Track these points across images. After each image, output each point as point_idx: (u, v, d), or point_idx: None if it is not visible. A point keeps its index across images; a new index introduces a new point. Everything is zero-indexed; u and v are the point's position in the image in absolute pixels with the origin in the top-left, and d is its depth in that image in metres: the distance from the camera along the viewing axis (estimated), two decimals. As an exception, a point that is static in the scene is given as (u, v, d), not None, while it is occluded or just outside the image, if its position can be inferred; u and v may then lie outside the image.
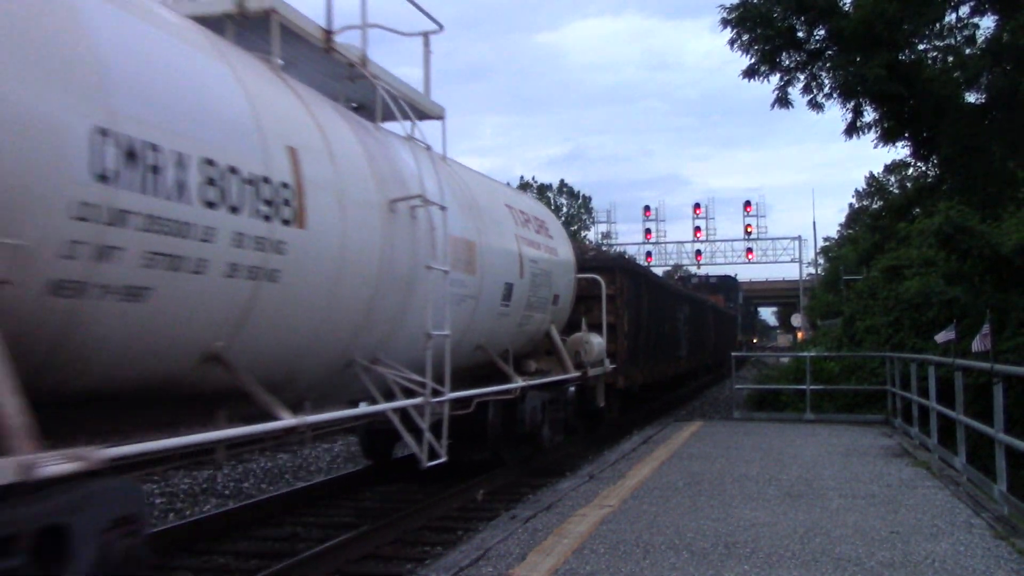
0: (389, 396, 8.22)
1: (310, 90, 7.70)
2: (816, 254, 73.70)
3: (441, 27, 10.01)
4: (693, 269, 62.87)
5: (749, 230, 64.61)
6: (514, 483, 12.75)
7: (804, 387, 17.66)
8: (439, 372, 8.51)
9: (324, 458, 16.00)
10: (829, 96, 26.87)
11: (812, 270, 73.19)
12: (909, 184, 51.35)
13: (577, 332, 14.63)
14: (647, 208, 64.22)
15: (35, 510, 4.10)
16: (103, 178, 4.65)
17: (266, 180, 6.06)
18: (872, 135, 26.87)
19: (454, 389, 8.91)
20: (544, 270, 12.80)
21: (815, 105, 27.33)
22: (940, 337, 12.27)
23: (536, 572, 6.24)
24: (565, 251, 14.47)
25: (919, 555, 6.65)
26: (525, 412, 12.05)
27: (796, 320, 65.30)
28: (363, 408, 8.68)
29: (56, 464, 4.08)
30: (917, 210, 33.56)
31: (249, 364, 6.14)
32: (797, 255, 67.89)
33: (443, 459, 8.73)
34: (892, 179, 72.43)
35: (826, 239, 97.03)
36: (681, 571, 6.24)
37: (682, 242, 65.62)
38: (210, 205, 5.46)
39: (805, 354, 19.86)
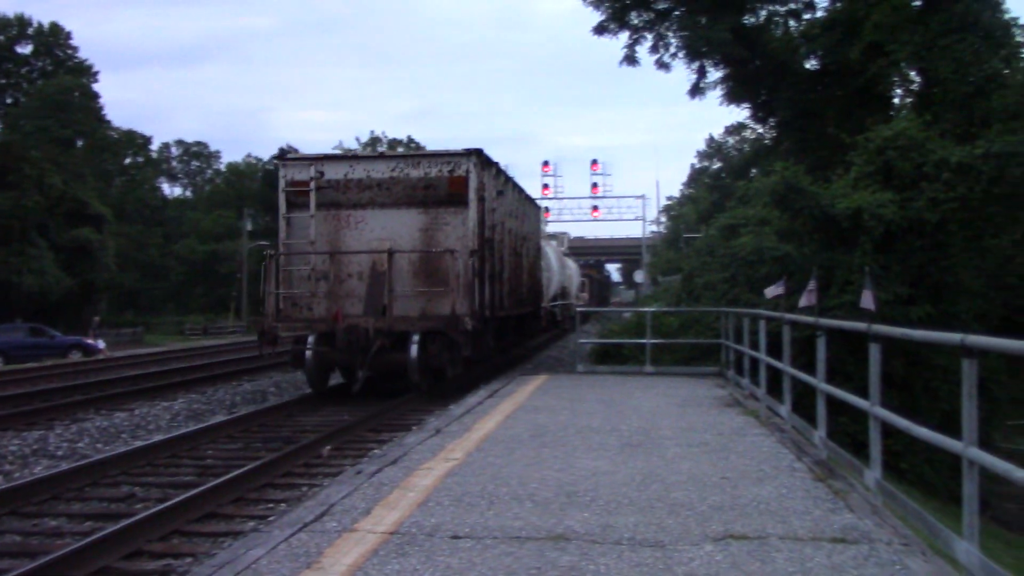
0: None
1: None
2: (659, 212, 75.96)
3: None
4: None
5: (595, 191, 66.24)
6: (359, 438, 12.75)
7: (645, 341, 18.19)
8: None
9: (164, 416, 15.55)
10: (675, 56, 27.63)
11: (655, 228, 75.40)
12: (747, 146, 53.41)
13: (581, 292, 48.75)
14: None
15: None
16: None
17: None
18: (718, 93, 27.85)
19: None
20: (568, 275, 42.53)
21: (662, 65, 28.07)
22: (770, 291, 12.84)
23: (381, 526, 6.26)
24: (576, 269, 48.20)
25: (746, 498, 7.01)
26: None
27: (639, 276, 67.30)
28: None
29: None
30: (755, 171, 35.00)
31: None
32: (641, 213, 69.90)
33: None
34: (730, 140, 75.02)
35: (669, 198, 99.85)
36: (524, 520, 6.38)
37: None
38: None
39: (646, 309, 20.44)
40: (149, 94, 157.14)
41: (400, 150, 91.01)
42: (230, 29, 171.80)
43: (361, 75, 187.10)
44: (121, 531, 7.44)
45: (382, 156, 18.97)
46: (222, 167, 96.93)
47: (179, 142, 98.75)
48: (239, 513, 8.73)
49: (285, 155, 18.83)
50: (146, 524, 7.74)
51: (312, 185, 17.15)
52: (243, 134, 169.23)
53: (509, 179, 21.02)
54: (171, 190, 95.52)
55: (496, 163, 18.95)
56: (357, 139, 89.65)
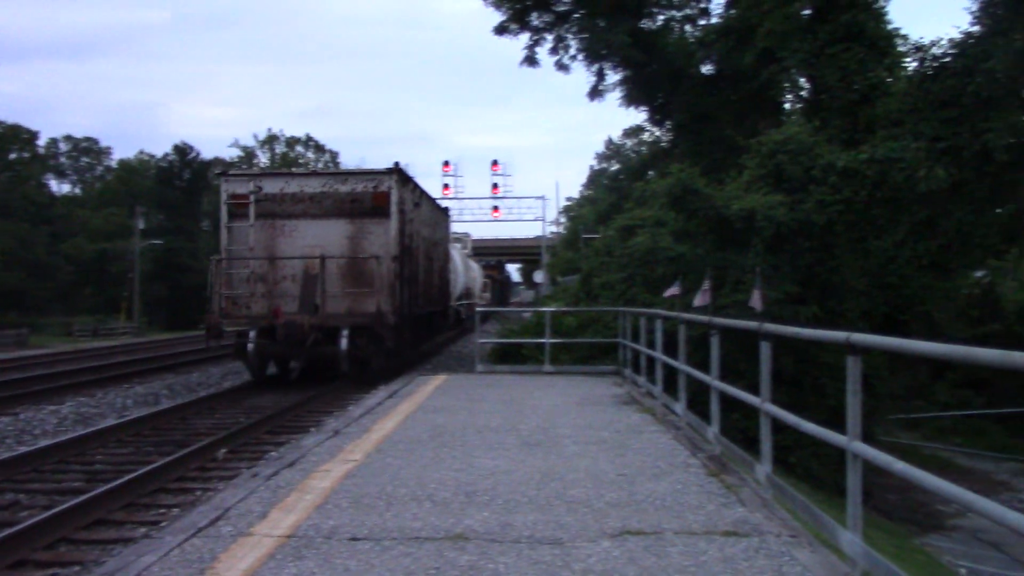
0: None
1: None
2: (559, 213, 76.91)
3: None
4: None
5: (496, 191, 66.72)
6: (256, 441, 12.55)
7: (544, 341, 18.35)
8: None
9: (50, 420, 15.02)
10: (575, 58, 27.97)
11: (554, 228, 76.30)
12: (644, 148, 54.41)
13: (484, 292, 50.39)
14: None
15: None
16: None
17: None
18: (616, 95, 28.34)
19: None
20: (472, 276, 44.12)
21: (562, 66, 28.43)
22: (668, 293, 13.12)
23: (278, 529, 6.18)
24: (479, 270, 49.96)
25: (642, 494, 7.15)
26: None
27: (538, 277, 67.95)
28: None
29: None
30: (652, 172, 35.65)
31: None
32: (541, 214, 70.56)
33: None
34: (628, 143, 76.29)
35: (568, 199, 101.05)
36: (423, 520, 6.37)
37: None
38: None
39: (545, 309, 20.62)
40: (36, 88, 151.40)
41: (299, 148, 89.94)
42: (122, 22, 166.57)
43: (258, 72, 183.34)
44: (4, 540, 7.16)
45: (315, 173, 22.11)
46: (113, 164, 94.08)
47: (68, 137, 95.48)
48: (130, 519, 8.50)
49: (227, 172, 21.10)
50: (31, 532, 7.48)
51: (251, 198, 19.30)
52: (136, 130, 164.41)
53: (424, 192, 24.04)
54: (59, 187, 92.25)
55: (413, 179, 21.66)
56: (255, 136, 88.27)
